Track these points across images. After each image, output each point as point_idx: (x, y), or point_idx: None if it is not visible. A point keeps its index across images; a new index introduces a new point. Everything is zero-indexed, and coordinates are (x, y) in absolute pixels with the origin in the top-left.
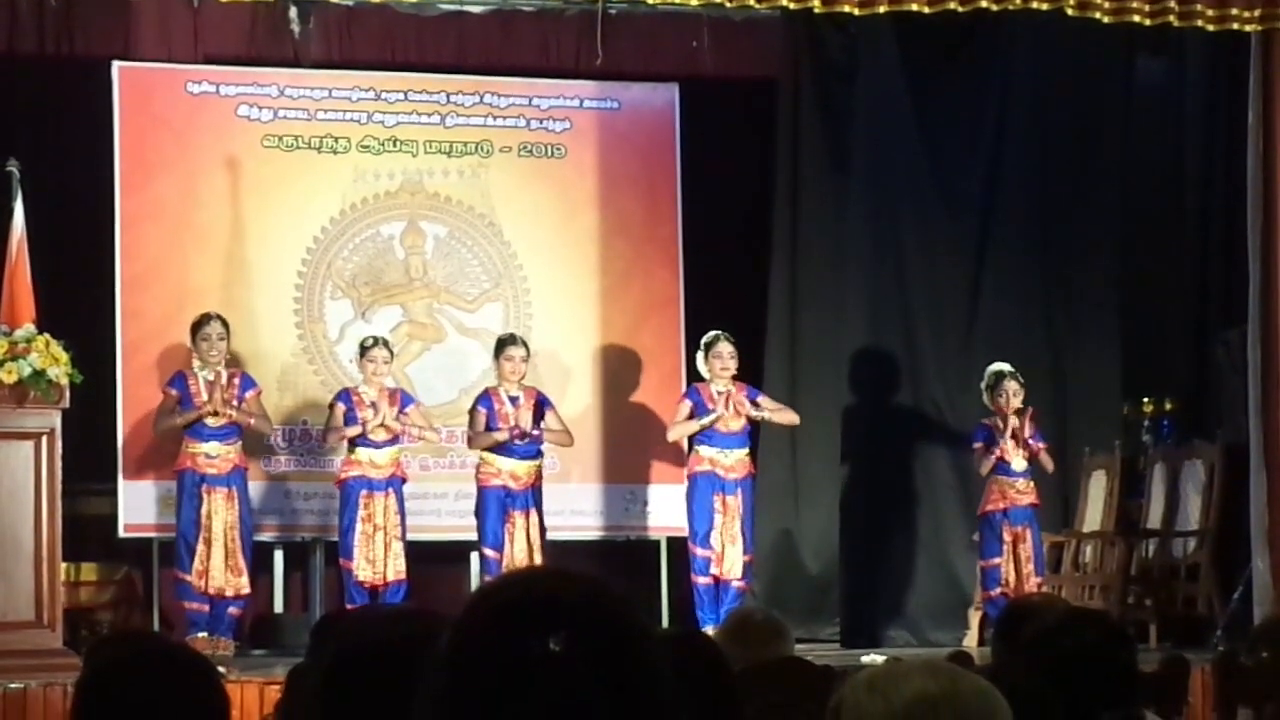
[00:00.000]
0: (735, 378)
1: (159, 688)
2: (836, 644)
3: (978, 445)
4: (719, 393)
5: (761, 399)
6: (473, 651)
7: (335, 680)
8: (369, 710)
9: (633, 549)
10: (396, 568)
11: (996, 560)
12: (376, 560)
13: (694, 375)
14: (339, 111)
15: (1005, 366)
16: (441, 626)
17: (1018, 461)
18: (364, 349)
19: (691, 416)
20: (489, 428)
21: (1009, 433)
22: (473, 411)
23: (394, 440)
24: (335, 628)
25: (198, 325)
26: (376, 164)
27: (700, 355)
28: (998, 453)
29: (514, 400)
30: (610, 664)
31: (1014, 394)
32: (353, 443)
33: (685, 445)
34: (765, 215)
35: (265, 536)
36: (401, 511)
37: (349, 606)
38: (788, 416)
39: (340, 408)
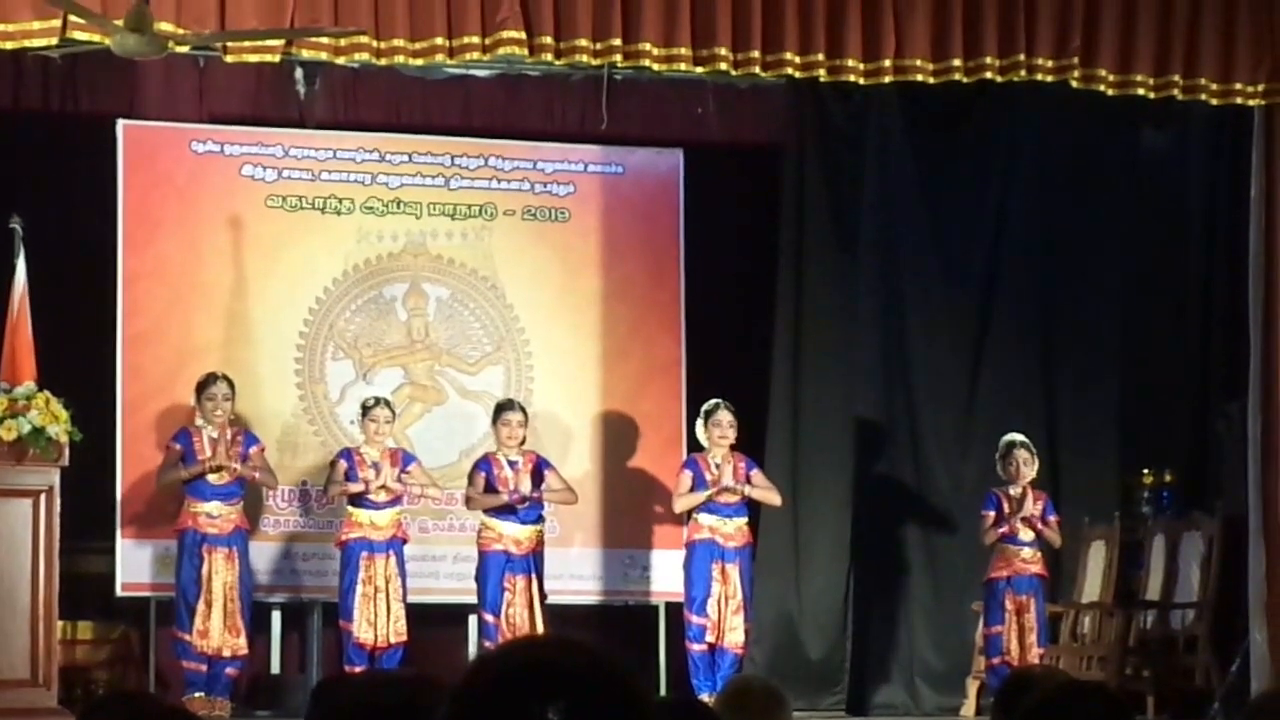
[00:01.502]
0: (733, 447)
1: None
2: (840, 712)
3: (986, 514)
4: (717, 464)
5: (755, 474)
6: (473, 719)
7: None
8: None
9: (631, 614)
10: (397, 630)
11: (999, 628)
12: (377, 622)
13: (694, 441)
14: (343, 172)
15: (1018, 436)
16: (440, 692)
17: (1025, 532)
18: (366, 409)
19: (693, 488)
20: (489, 491)
21: (1018, 516)
22: (472, 474)
23: (395, 501)
24: (334, 691)
25: (203, 385)
26: (380, 225)
27: (700, 423)
28: (1005, 527)
29: (513, 464)
30: None
31: (1025, 463)
32: (353, 503)
33: (685, 513)
34: (768, 282)
35: (264, 597)
36: (402, 573)
37: (348, 668)
38: (773, 497)
39: (342, 465)
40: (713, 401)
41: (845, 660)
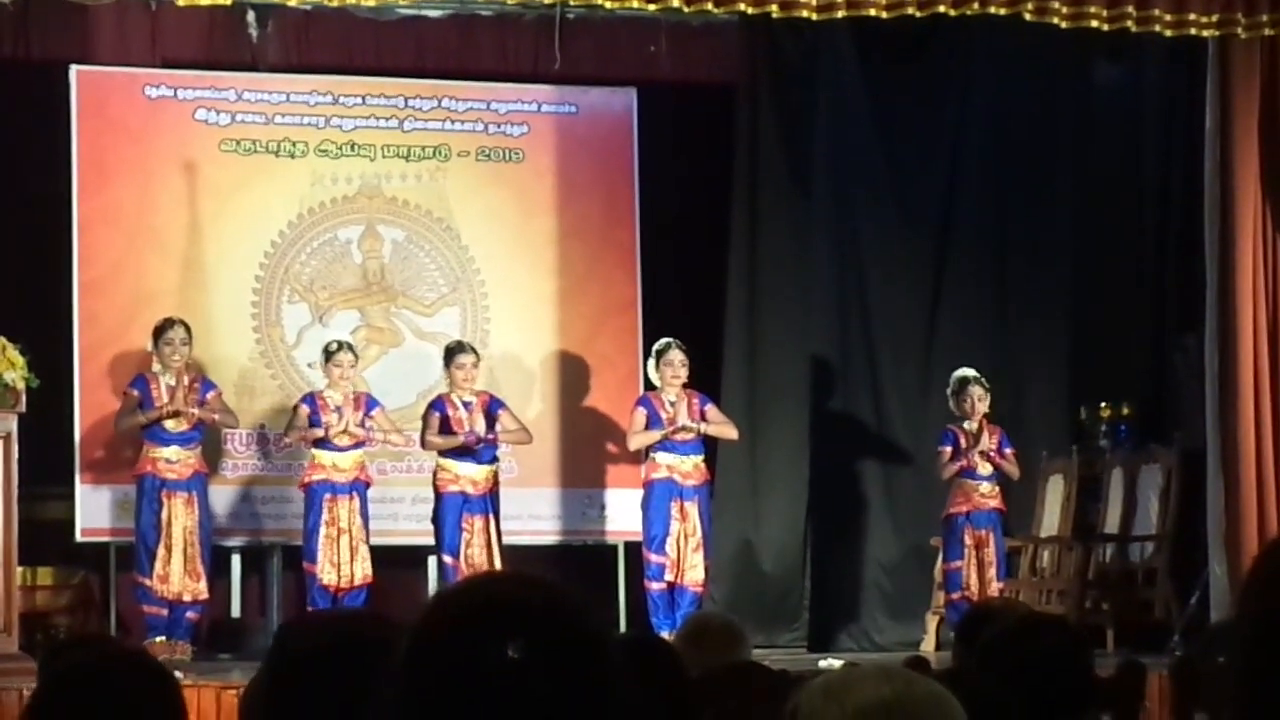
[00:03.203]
0: (688, 385)
1: (118, 693)
2: (800, 649)
3: (943, 449)
4: (671, 403)
5: (709, 409)
6: (430, 657)
7: (283, 681)
8: (318, 713)
9: (590, 554)
10: (364, 571)
11: (958, 564)
12: (341, 564)
13: (650, 381)
14: (297, 115)
15: (970, 372)
16: (394, 630)
17: (983, 466)
18: (329, 353)
19: (647, 426)
20: (444, 432)
21: (975, 450)
22: (426, 416)
23: (358, 445)
24: (299, 630)
25: (160, 330)
26: (334, 168)
27: (651, 363)
28: (963, 461)
29: (466, 406)
30: (568, 670)
31: (979, 399)
32: (317, 445)
33: (643, 452)
34: (723, 220)
35: (223, 541)
36: (365, 515)
37: (310, 610)
38: (729, 431)
39: (304, 409)
40: (664, 341)
41: (804, 597)
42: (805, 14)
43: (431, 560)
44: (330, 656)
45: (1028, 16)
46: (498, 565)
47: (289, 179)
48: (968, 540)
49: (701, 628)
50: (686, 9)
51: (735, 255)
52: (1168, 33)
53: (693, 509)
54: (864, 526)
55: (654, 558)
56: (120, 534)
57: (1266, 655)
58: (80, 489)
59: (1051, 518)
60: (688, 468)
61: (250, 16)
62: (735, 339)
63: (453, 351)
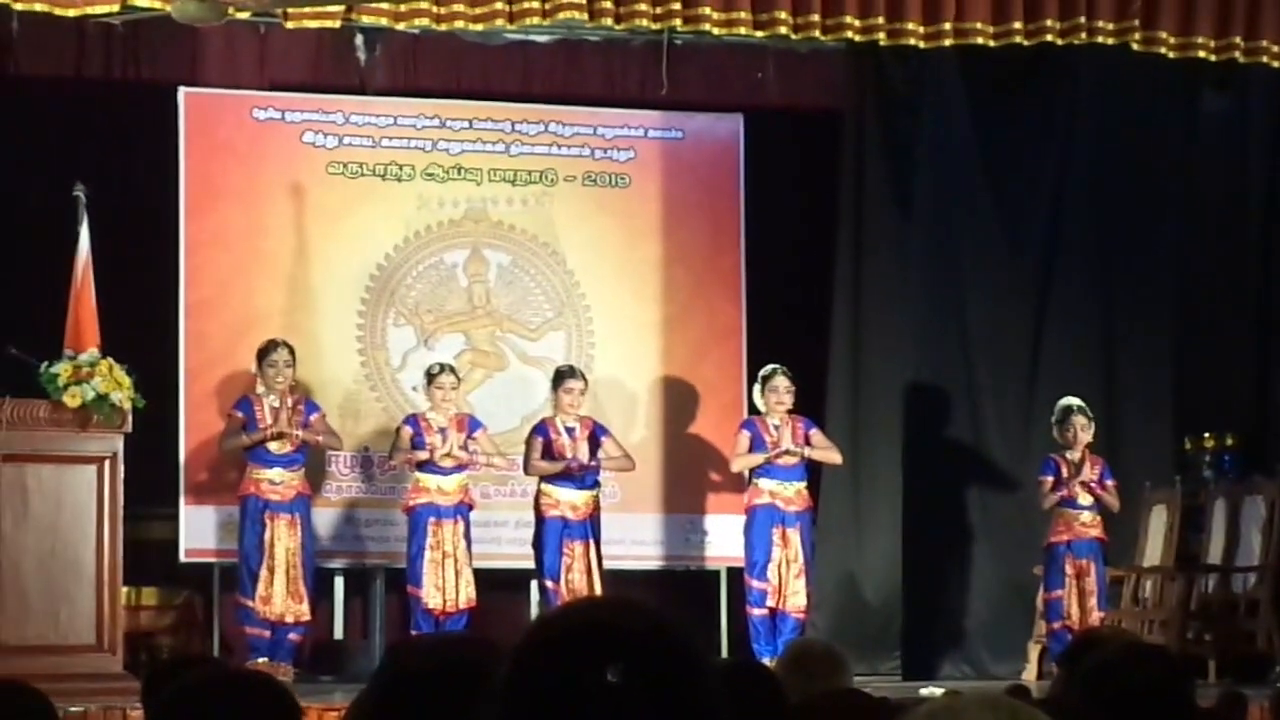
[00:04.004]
0: (792, 411)
1: (243, 713)
2: (897, 677)
3: (1045, 478)
4: (775, 426)
5: (814, 433)
6: (531, 680)
7: (388, 701)
8: None
9: (692, 579)
10: (468, 595)
11: (1059, 593)
12: (446, 587)
13: (754, 407)
14: (404, 139)
15: (1074, 401)
16: (497, 654)
17: (1084, 496)
18: (431, 376)
19: (751, 449)
20: (546, 457)
21: (1076, 480)
22: (529, 440)
23: (461, 467)
24: (406, 651)
25: (265, 351)
26: (441, 191)
27: (757, 388)
28: (1064, 491)
29: (570, 431)
30: (668, 695)
31: (1082, 428)
32: (420, 469)
33: (746, 476)
34: (829, 248)
35: (326, 563)
36: (468, 538)
37: (414, 634)
38: (833, 456)
39: (408, 431)
40: (770, 367)
41: (901, 624)
42: (912, 41)
43: (533, 585)
44: (437, 679)
45: (1135, 46)
46: (598, 590)
47: (395, 202)
48: (1069, 569)
49: (803, 654)
50: (794, 36)
51: (840, 282)
52: (1275, 63)
53: (795, 535)
54: (965, 554)
55: (756, 584)
56: (224, 555)
57: None
58: (185, 509)
59: (1154, 548)
60: (790, 493)
61: (358, 40)
62: (840, 366)
63: (562, 375)
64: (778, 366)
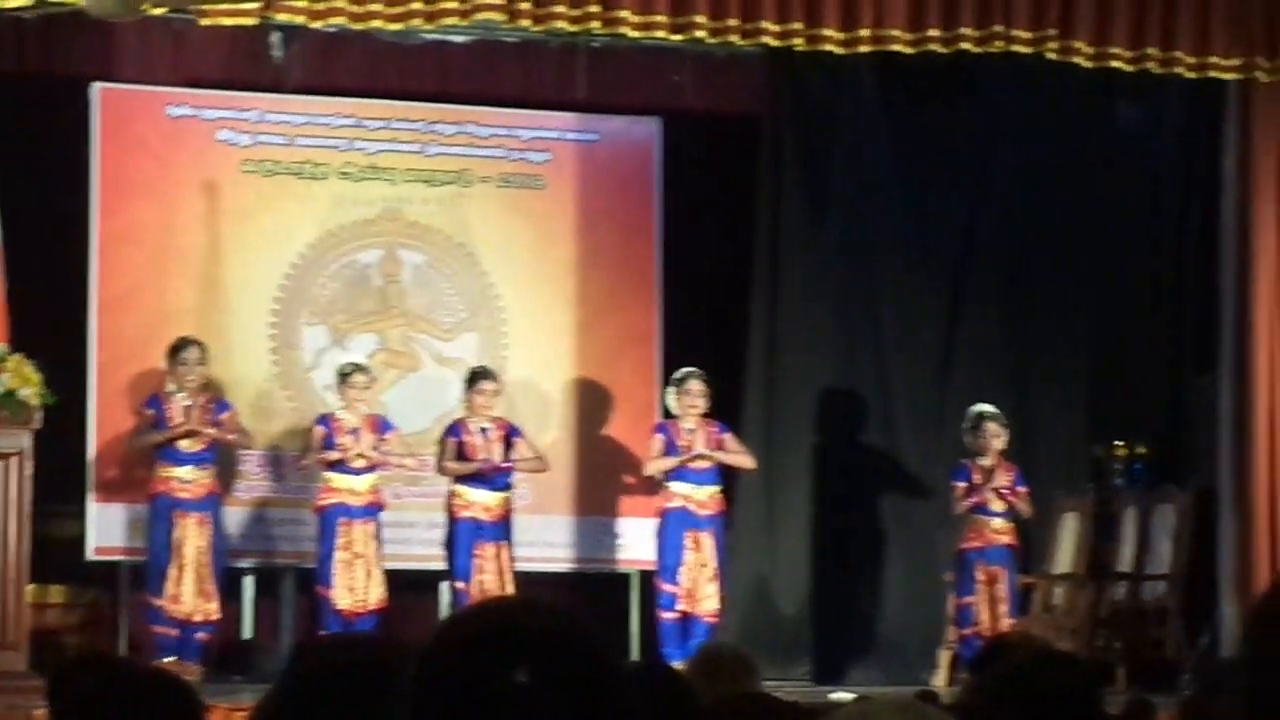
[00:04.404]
0: (706, 415)
1: (145, 712)
2: (807, 682)
3: (957, 485)
4: (689, 430)
5: (727, 438)
6: (440, 681)
7: (294, 701)
8: None
9: (604, 582)
10: (378, 595)
11: (970, 599)
12: (357, 588)
13: (668, 410)
14: (319, 137)
15: (988, 408)
16: (404, 653)
17: (996, 503)
18: (344, 375)
19: (665, 453)
20: (459, 458)
21: (988, 487)
22: (443, 441)
23: (372, 468)
24: (313, 651)
25: (176, 349)
26: (356, 191)
27: (671, 392)
28: (977, 497)
29: (484, 432)
30: (577, 696)
31: (995, 435)
32: (331, 469)
33: (659, 480)
34: (745, 251)
35: (236, 562)
36: (379, 539)
37: (324, 633)
38: (746, 461)
39: (320, 431)
40: (684, 370)
41: (812, 628)
42: (830, 47)
43: (444, 585)
44: (343, 678)
45: (1051, 55)
46: (509, 592)
47: (310, 201)
48: (980, 576)
49: (713, 658)
50: (711, 40)
51: (756, 286)
52: (1189, 74)
53: (707, 539)
54: (877, 560)
55: (667, 587)
56: (133, 553)
57: (1271, 695)
58: (93, 507)
59: (1065, 555)
60: (703, 497)
61: (274, 38)
62: (755, 370)
63: (476, 376)
64: (692, 370)
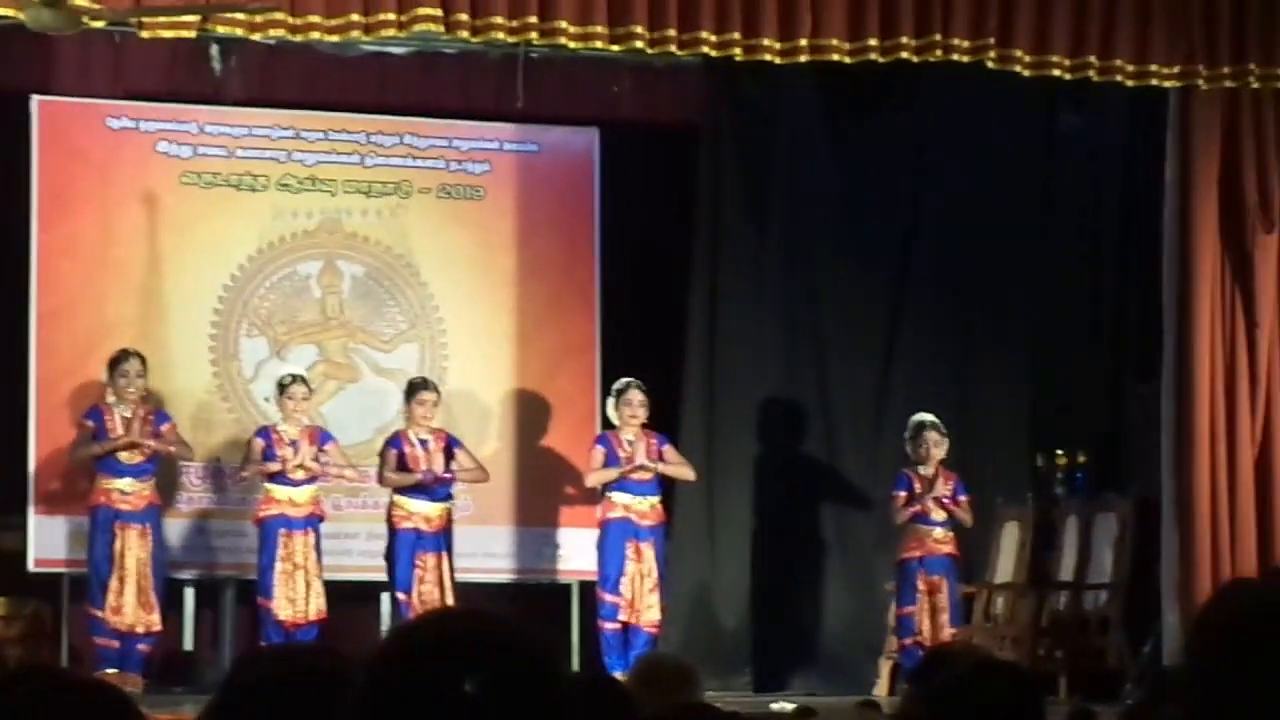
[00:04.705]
0: (646, 425)
1: None
2: (748, 692)
3: (898, 494)
4: (630, 442)
5: (667, 449)
6: (388, 692)
7: (233, 712)
8: None
9: (544, 592)
10: (318, 606)
11: (911, 609)
12: (298, 599)
13: (608, 420)
14: (258, 149)
15: (928, 417)
16: (346, 665)
17: (937, 512)
18: (283, 386)
19: (605, 464)
20: (400, 469)
21: (929, 496)
22: (383, 452)
23: (312, 479)
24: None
25: (116, 362)
26: (295, 202)
27: (610, 402)
28: (917, 507)
29: (424, 443)
30: (523, 706)
31: (935, 444)
32: (272, 480)
33: (599, 490)
34: (684, 261)
35: (177, 574)
36: (319, 550)
37: (264, 645)
38: (686, 473)
39: (259, 443)
40: (624, 380)
41: (753, 638)
42: (768, 57)
43: (384, 597)
44: (282, 690)
45: (990, 64)
46: (450, 603)
47: (250, 212)
48: (921, 585)
49: (654, 668)
50: (650, 50)
51: (695, 296)
52: (1129, 83)
53: (648, 549)
54: (818, 569)
55: (608, 597)
56: (74, 565)
57: (1213, 704)
58: (34, 519)
59: (1006, 564)
60: (644, 508)
61: (213, 50)
62: (694, 380)
63: (415, 387)
64: (631, 380)
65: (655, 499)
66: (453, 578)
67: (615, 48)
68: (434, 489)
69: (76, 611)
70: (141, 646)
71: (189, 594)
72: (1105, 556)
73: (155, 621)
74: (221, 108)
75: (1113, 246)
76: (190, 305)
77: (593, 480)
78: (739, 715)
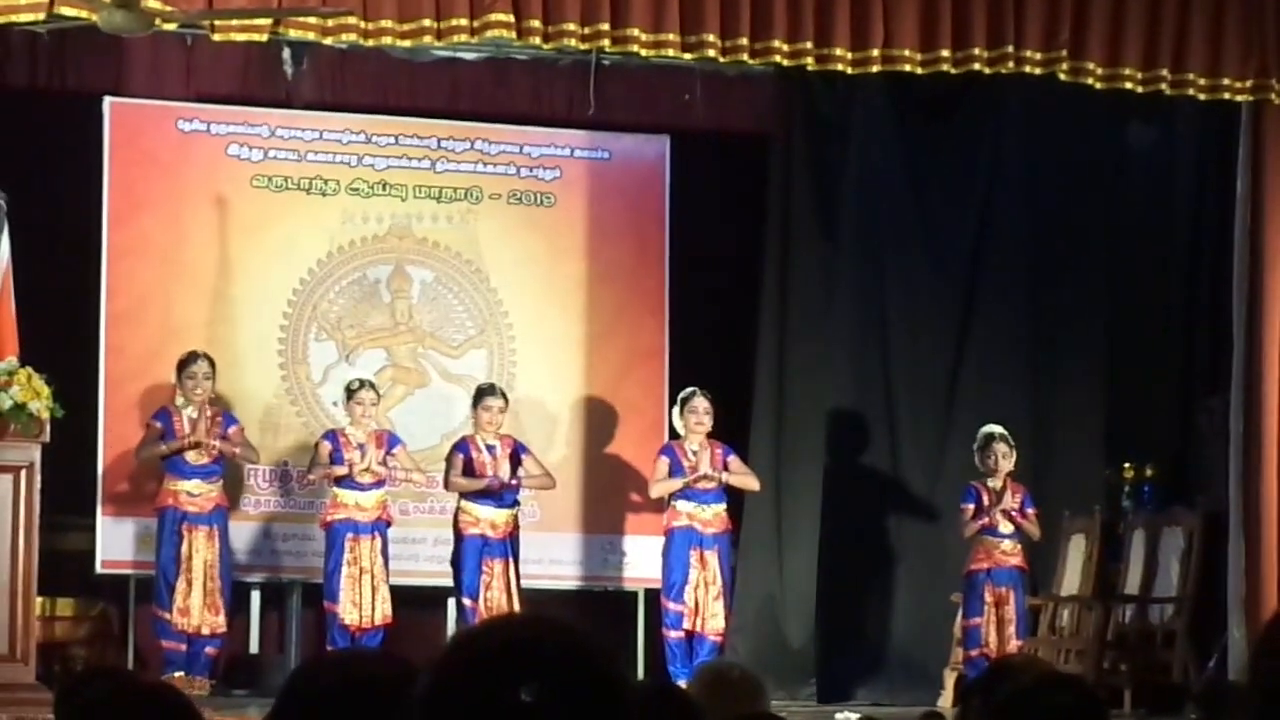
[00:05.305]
0: (712, 434)
1: None
2: (813, 702)
3: (966, 507)
4: (694, 451)
5: (732, 459)
6: (448, 699)
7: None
8: None
9: (609, 600)
10: (384, 611)
11: (977, 620)
12: (363, 603)
13: (675, 430)
14: (329, 153)
15: (996, 429)
16: (408, 671)
17: (1005, 524)
18: (350, 391)
19: (670, 474)
20: (467, 475)
21: (997, 508)
22: (450, 458)
23: (380, 483)
24: (314, 669)
25: (184, 363)
26: (365, 207)
27: (676, 410)
28: (985, 519)
29: (490, 449)
30: (583, 714)
31: (1003, 456)
32: (339, 484)
33: (664, 499)
34: (754, 269)
35: (243, 576)
36: (385, 555)
37: (329, 649)
38: (751, 482)
39: (326, 446)
40: (689, 389)
41: (818, 648)
42: (840, 67)
43: (450, 602)
44: (342, 697)
45: (1062, 77)
46: (516, 609)
47: (320, 216)
48: (988, 597)
49: (719, 677)
50: (722, 59)
51: (765, 305)
52: (1202, 96)
53: (712, 557)
54: (884, 580)
55: (672, 606)
56: (141, 566)
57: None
58: (102, 520)
59: (1072, 577)
60: (708, 516)
61: (285, 54)
62: (764, 389)
63: (482, 393)
64: (697, 389)
65: (720, 507)
66: (519, 584)
67: (687, 56)
68: (500, 495)
69: (143, 613)
70: (208, 649)
71: (255, 597)
72: (1172, 570)
73: (221, 624)
74: (293, 111)
75: (1183, 258)
76: (259, 308)
77: (656, 491)
78: None
